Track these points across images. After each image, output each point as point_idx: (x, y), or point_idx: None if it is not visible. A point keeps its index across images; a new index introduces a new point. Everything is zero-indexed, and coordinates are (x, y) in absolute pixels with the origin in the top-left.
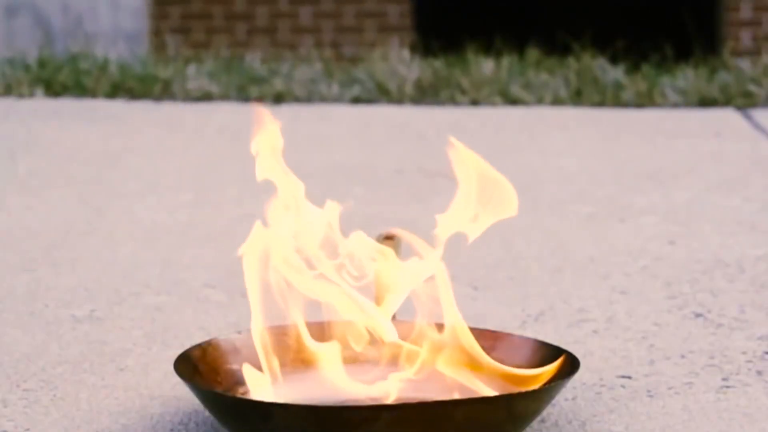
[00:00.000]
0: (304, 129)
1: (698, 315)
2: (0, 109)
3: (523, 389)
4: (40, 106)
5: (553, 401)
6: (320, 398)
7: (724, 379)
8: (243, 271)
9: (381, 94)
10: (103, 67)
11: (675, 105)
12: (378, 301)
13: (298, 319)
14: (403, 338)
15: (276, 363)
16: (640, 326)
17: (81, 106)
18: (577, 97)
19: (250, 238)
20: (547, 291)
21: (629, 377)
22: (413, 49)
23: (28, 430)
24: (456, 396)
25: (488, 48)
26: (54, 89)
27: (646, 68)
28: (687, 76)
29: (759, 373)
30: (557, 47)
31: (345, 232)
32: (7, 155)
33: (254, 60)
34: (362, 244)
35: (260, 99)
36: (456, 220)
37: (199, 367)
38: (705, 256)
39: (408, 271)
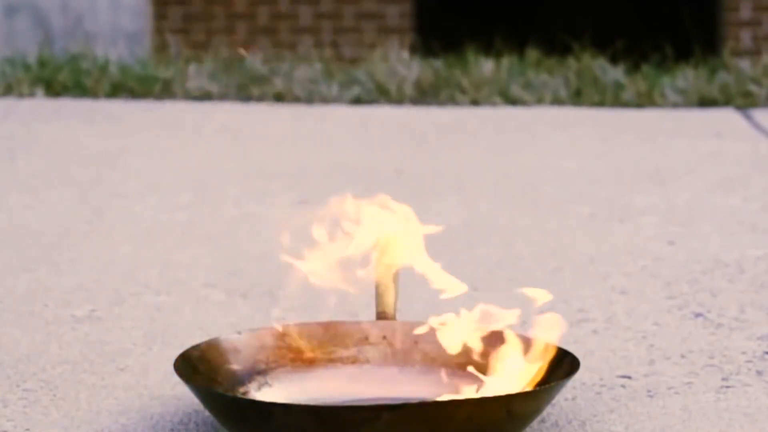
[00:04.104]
0: (304, 129)
1: (698, 315)
2: (0, 109)
3: (523, 389)
4: (40, 106)
5: (553, 401)
6: (320, 398)
7: (724, 379)
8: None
9: (381, 94)
10: (103, 67)
11: (675, 105)
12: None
13: None
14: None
15: None
16: (640, 326)
17: (81, 106)
18: (577, 97)
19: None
20: (547, 291)
21: (629, 377)
22: (413, 49)
23: (28, 430)
24: (456, 396)
25: (488, 48)
26: (54, 89)
27: (646, 68)
28: (687, 76)
29: (759, 373)
30: (557, 47)
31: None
32: (7, 155)
33: (254, 60)
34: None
35: (260, 99)
36: None
37: (199, 367)
38: (705, 256)
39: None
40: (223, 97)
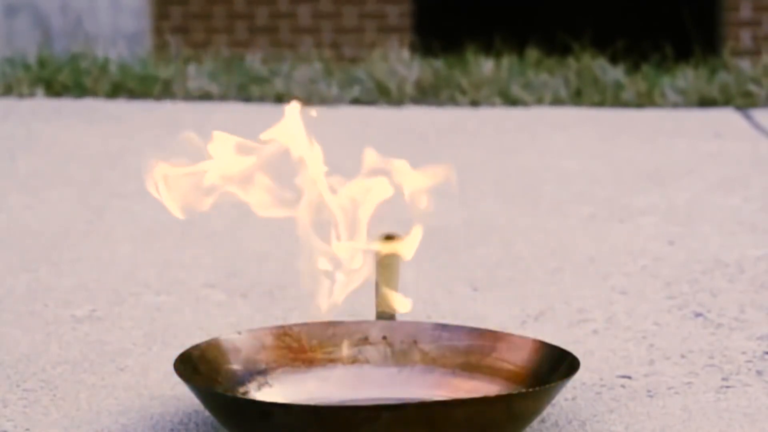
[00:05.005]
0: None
1: (698, 315)
2: (0, 109)
3: (523, 389)
4: (40, 106)
5: (553, 401)
6: (320, 398)
7: (724, 379)
8: None
9: (381, 94)
10: (103, 67)
11: (675, 105)
12: (379, 295)
13: None
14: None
15: None
16: (640, 326)
17: (81, 106)
18: (577, 97)
19: None
20: (547, 291)
21: (629, 377)
22: (413, 49)
23: (28, 430)
24: (456, 396)
25: (488, 48)
26: (54, 89)
27: (646, 68)
28: (687, 76)
29: (759, 373)
30: (557, 47)
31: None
32: (7, 155)
33: (254, 60)
34: None
35: (261, 99)
36: None
37: (199, 367)
38: (705, 256)
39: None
40: (223, 97)
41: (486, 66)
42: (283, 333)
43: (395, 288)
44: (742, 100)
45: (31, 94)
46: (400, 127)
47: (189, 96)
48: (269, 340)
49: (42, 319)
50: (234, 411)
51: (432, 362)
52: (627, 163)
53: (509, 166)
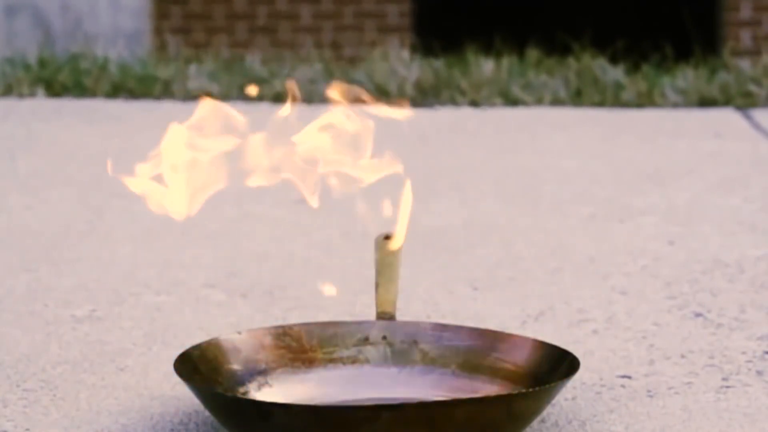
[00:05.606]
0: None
1: (698, 315)
2: (0, 109)
3: (523, 389)
4: (40, 106)
5: (553, 401)
6: (320, 398)
7: (724, 379)
8: None
9: (381, 95)
10: (103, 67)
11: (675, 105)
12: (378, 292)
13: None
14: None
15: None
16: (640, 326)
17: (81, 106)
18: (577, 97)
19: None
20: (547, 291)
21: (629, 377)
22: (413, 49)
23: (28, 430)
24: (456, 396)
25: (488, 48)
26: (54, 89)
27: (646, 68)
28: (687, 76)
29: (759, 373)
30: (557, 47)
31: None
32: (7, 155)
33: (254, 60)
34: None
35: (260, 99)
36: None
37: (199, 367)
38: (705, 256)
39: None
40: (223, 97)
41: (486, 66)
42: (283, 333)
43: (395, 288)
44: (742, 100)
45: (31, 94)
46: (400, 127)
47: (189, 96)
48: (269, 340)
49: (42, 319)
50: (234, 411)
51: (432, 362)
52: (627, 163)
53: (509, 166)
